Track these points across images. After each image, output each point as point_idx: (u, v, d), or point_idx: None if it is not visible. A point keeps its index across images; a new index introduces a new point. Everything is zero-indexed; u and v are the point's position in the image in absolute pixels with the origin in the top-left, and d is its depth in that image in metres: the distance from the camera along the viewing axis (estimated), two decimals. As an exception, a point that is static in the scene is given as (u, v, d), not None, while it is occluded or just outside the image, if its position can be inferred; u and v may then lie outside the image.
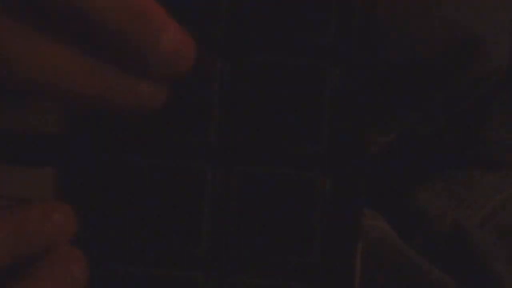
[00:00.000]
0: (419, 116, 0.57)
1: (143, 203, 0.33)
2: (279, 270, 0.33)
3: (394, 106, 0.56)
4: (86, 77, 0.27)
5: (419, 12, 0.53)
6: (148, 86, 0.29)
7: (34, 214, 0.30)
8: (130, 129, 0.33)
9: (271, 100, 0.33)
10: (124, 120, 0.32)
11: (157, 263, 0.33)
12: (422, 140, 0.59)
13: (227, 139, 0.33)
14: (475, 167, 0.59)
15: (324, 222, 0.33)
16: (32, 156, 0.33)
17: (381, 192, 0.57)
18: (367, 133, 0.33)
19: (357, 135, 0.33)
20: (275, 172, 0.33)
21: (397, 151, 0.58)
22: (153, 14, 0.27)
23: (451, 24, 0.54)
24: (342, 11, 0.33)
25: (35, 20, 0.26)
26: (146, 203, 0.33)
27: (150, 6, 0.27)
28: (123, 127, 0.33)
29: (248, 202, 0.33)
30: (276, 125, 0.33)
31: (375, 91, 0.33)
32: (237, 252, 0.33)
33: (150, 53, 0.27)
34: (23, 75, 0.26)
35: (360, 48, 0.33)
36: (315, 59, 0.33)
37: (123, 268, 0.33)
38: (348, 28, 0.33)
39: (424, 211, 0.56)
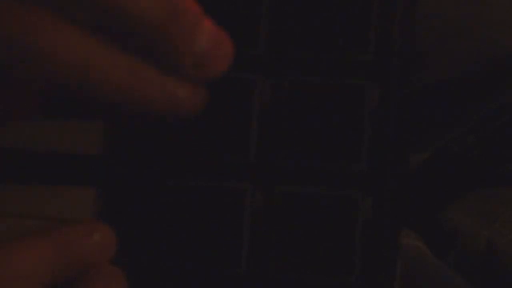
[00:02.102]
0: (454, 135, 0.57)
1: (182, 224, 0.33)
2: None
3: (429, 124, 0.56)
4: (125, 75, 0.27)
5: (458, 31, 0.53)
6: (183, 87, 0.28)
7: (75, 234, 0.30)
8: (170, 149, 0.33)
9: (311, 119, 0.33)
10: (164, 132, 0.32)
11: (197, 284, 0.33)
12: (455, 158, 0.58)
13: (267, 159, 0.33)
14: (507, 185, 0.58)
15: (364, 241, 0.32)
16: (73, 177, 0.33)
17: (414, 210, 0.56)
18: (407, 151, 0.33)
19: (397, 154, 0.33)
20: (315, 192, 0.33)
21: (431, 169, 0.58)
22: (189, 12, 0.27)
23: (489, 43, 0.54)
24: (382, 29, 0.33)
25: (78, 19, 0.26)
26: (185, 224, 0.33)
27: (186, 5, 0.27)
28: (163, 148, 0.33)
29: (288, 222, 0.33)
30: (316, 144, 0.33)
31: (414, 109, 0.33)
32: (278, 272, 0.33)
33: (184, 51, 0.27)
34: (65, 71, 0.26)
35: (400, 66, 0.33)
36: (355, 77, 0.33)
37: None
38: (388, 46, 0.33)
39: (458, 229, 0.56)
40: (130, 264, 0.32)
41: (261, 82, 0.33)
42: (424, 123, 0.55)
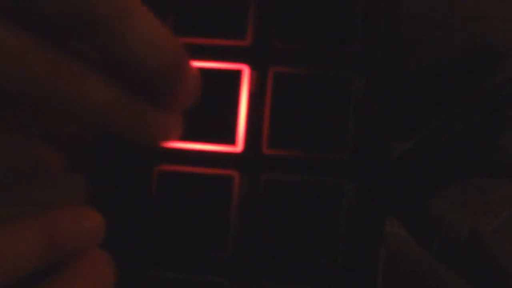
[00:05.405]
0: (437, 124, 0.57)
1: (171, 210, 0.33)
2: (304, 275, 0.33)
3: (412, 113, 0.56)
4: (122, 108, 0.29)
5: (443, 19, 0.54)
6: (171, 118, 0.31)
7: (64, 220, 0.30)
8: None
9: (298, 108, 0.33)
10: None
11: (183, 267, 0.34)
12: (439, 147, 0.59)
13: (254, 146, 0.34)
14: (491, 175, 0.59)
15: (348, 228, 0.33)
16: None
17: (398, 199, 0.57)
18: (390, 140, 0.33)
19: (381, 143, 0.33)
20: (300, 179, 0.33)
21: (415, 158, 0.58)
22: (186, 61, 0.30)
23: (470, 36, 0.54)
24: (368, 21, 0.33)
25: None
26: (174, 209, 0.33)
27: (184, 55, 0.29)
28: None
29: (273, 208, 0.33)
30: (302, 132, 0.33)
31: (398, 99, 0.34)
32: (263, 256, 0.33)
33: (178, 93, 0.30)
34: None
35: (385, 57, 0.33)
36: (341, 68, 0.33)
37: (150, 272, 0.34)
38: (374, 38, 0.33)
39: (441, 218, 0.56)
40: (118, 247, 0.33)
41: (248, 72, 0.34)
42: (408, 111, 0.56)
